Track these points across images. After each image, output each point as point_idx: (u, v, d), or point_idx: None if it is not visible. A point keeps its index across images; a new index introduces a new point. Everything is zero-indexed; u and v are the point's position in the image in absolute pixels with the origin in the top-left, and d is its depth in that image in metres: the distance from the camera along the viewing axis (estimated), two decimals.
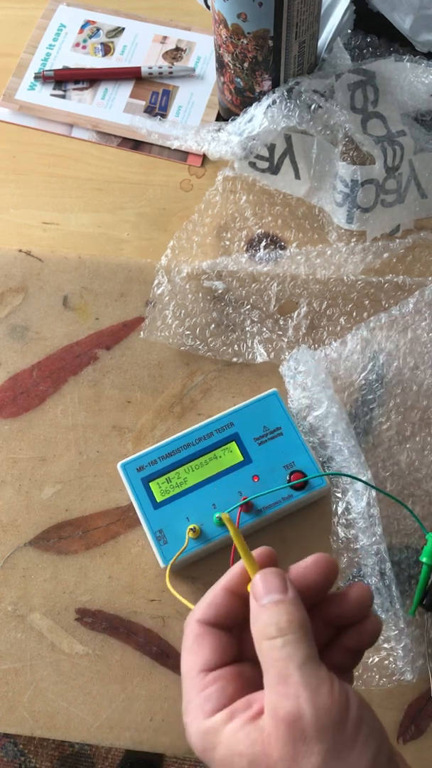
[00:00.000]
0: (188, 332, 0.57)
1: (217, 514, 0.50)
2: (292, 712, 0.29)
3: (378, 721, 0.31)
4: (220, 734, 0.31)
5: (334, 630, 0.36)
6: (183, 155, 0.65)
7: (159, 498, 0.51)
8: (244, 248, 0.60)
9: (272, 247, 0.60)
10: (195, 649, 0.34)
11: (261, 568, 0.34)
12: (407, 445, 0.53)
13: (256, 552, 0.36)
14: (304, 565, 0.35)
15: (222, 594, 0.35)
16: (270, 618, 0.32)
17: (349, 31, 0.65)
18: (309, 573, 0.35)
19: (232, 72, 0.59)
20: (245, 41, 0.56)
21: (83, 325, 0.58)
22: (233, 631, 0.35)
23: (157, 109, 0.67)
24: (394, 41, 0.66)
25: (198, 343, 0.57)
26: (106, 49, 0.70)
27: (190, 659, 0.34)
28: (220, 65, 0.60)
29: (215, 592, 0.35)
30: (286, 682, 0.30)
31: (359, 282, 0.58)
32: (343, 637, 0.35)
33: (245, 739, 0.30)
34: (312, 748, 0.29)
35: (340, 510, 0.52)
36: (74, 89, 0.68)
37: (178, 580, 0.51)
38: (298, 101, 0.58)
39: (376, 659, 0.49)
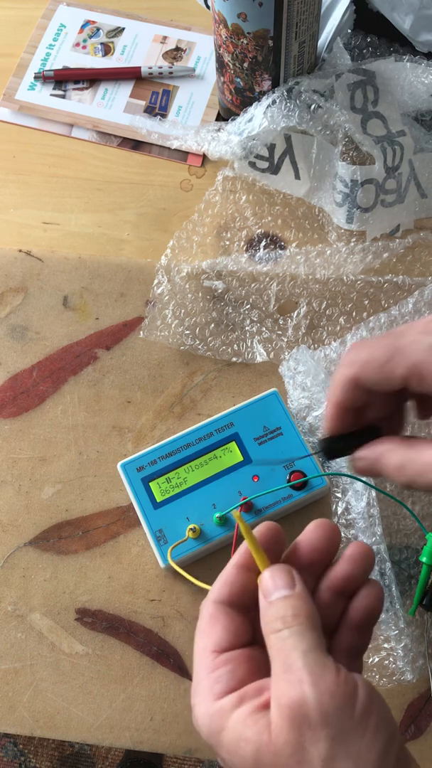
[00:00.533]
0: (188, 332, 0.57)
1: (216, 515, 0.50)
2: (296, 698, 0.29)
3: (391, 714, 0.30)
4: (228, 718, 0.31)
5: (343, 600, 0.36)
6: (183, 155, 0.65)
7: (159, 498, 0.51)
8: (244, 248, 0.60)
9: (272, 247, 0.60)
10: (208, 629, 0.34)
11: (270, 559, 0.34)
12: None
13: (260, 530, 0.35)
14: (307, 532, 0.36)
15: (235, 572, 0.35)
16: (277, 612, 0.32)
17: (349, 31, 0.65)
18: (313, 538, 0.35)
19: (232, 72, 0.59)
20: (245, 41, 0.56)
21: (83, 325, 0.58)
22: (248, 613, 0.35)
23: (157, 109, 0.67)
24: (394, 41, 0.66)
25: (198, 342, 0.57)
26: (106, 49, 0.70)
27: (202, 639, 0.34)
28: (220, 65, 0.60)
29: (228, 571, 0.35)
30: (289, 669, 0.30)
31: (359, 282, 0.58)
32: (351, 611, 0.35)
33: (253, 726, 0.30)
34: (318, 734, 0.28)
35: (339, 510, 0.52)
36: (74, 89, 0.68)
37: (178, 579, 0.51)
38: (298, 101, 0.58)
39: (376, 659, 0.49)
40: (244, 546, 0.35)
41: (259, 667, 0.33)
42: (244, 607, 0.34)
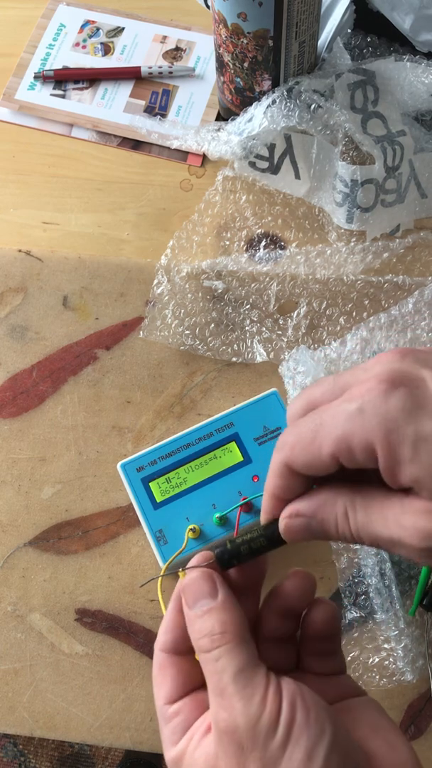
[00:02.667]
0: (188, 332, 0.57)
1: (216, 515, 0.50)
2: (230, 724, 0.29)
3: (319, 714, 0.30)
4: (184, 759, 0.32)
5: (290, 620, 0.35)
6: (183, 155, 0.65)
7: (159, 498, 0.51)
8: (244, 248, 0.60)
9: (272, 246, 0.60)
10: (159, 680, 0.34)
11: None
12: None
13: (196, 561, 0.35)
14: (285, 581, 0.35)
15: (174, 617, 0.34)
16: (202, 629, 0.32)
17: (349, 30, 0.65)
18: (288, 589, 0.35)
19: (232, 72, 0.59)
20: (245, 41, 0.56)
21: (83, 325, 0.58)
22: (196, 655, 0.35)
23: (157, 109, 0.67)
24: (394, 41, 0.66)
25: (198, 342, 0.57)
26: (106, 49, 0.70)
27: (156, 689, 0.34)
28: (220, 65, 0.60)
29: (170, 616, 0.35)
30: (222, 694, 0.30)
31: (359, 282, 0.58)
32: (306, 628, 0.35)
33: (200, 756, 0.31)
34: (250, 758, 0.29)
35: None
36: (74, 89, 0.68)
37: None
38: (298, 101, 0.58)
39: (376, 659, 0.49)
40: (179, 589, 0.34)
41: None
42: (191, 649, 0.34)
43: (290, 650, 0.36)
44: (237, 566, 0.34)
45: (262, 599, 0.36)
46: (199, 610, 0.32)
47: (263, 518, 0.34)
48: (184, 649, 0.34)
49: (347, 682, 0.36)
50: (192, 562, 0.34)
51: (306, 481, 0.32)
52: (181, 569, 0.34)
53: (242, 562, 0.34)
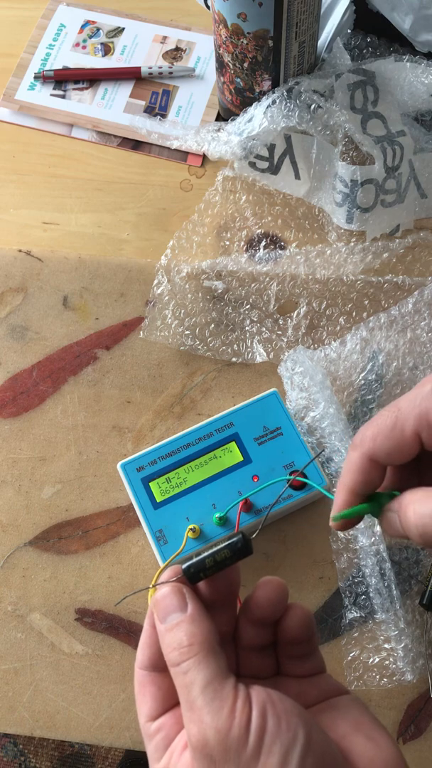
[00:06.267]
0: (188, 332, 0.57)
1: (216, 515, 0.50)
2: (201, 739, 0.29)
3: (291, 722, 0.30)
4: None
5: (266, 628, 0.36)
6: (183, 155, 0.65)
7: (159, 498, 0.51)
8: (244, 248, 0.60)
9: (272, 247, 0.60)
10: (139, 698, 0.34)
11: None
12: None
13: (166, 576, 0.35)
14: (255, 590, 0.35)
15: (152, 633, 0.34)
16: (172, 642, 0.32)
17: (349, 31, 0.65)
18: (259, 600, 0.35)
19: (232, 72, 0.59)
20: (245, 41, 0.56)
21: (83, 325, 0.58)
22: None
23: (157, 109, 0.67)
24: (394, 41, 0.66)
25: (198, 342, 0.57)
26: (106, 49, 0.70)
27: (138, 707, 0.35)
28: (220, 65, 0.60)
29: (145, 633, 0.35)
30: (192, 708, 0.30)
31: (359, 282, 0.58)
32: (281, 634, 0.36)
33: None
34: None
35: None
36: (74, 89, 0.68)
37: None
38: (297, 101, 0.58)
39: (377, 659, 0.49)
40: (152, 604, 0.34)
41: None
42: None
43: (269, 656, 0.36)
44: (206, 579, 0.34)
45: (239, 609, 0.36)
46: (169, 624, 0.33)
47: (335, 512, 0.36)
48: (161, 666, 0.34)
49: (328, 680, 0.36)
50: (162, 578, 0.34)
51: (383, 473, 0.35)
52: (151, 585, 0.34)
53: (209, 574, 0.34)
